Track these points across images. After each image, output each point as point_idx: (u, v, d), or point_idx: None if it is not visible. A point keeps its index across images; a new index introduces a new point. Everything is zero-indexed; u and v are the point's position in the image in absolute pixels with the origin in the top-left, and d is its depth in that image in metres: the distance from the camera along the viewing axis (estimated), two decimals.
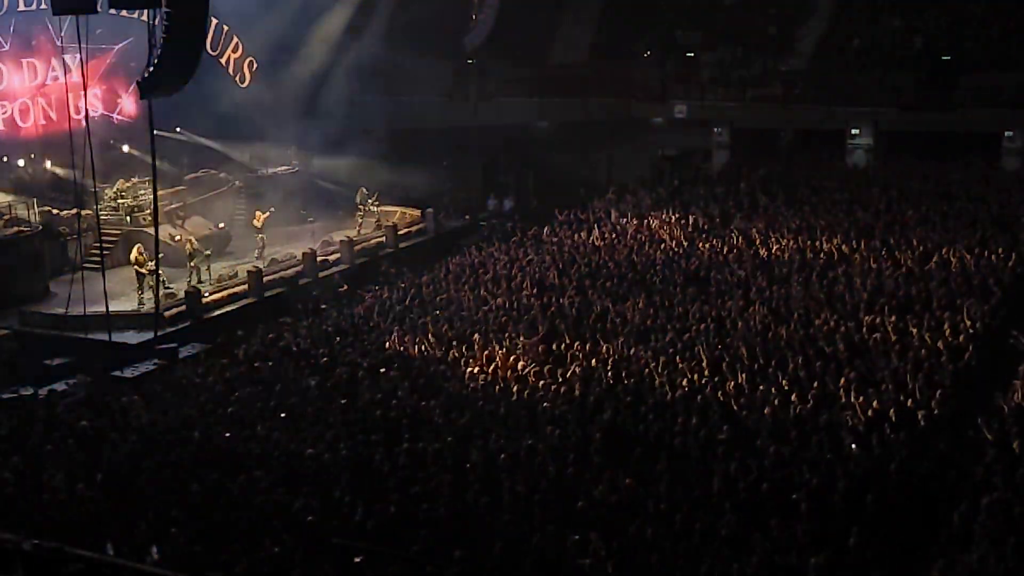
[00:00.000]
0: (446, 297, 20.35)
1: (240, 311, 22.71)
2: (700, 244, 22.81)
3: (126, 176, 27.67)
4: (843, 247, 21.46)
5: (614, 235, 24.25)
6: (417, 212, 29.93)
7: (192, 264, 23.96)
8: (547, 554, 10.47)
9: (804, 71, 32.72)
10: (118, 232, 25.92)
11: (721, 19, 35.00)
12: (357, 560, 10.52)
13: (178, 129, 29.17)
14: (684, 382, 14.83)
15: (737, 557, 10.18)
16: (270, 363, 17.61)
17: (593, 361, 15.90)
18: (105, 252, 23.06)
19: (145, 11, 19.26)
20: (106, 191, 26.40)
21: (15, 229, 24.20)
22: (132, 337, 20.75)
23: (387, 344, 17.91)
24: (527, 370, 15.80)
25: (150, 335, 20.51)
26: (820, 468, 11.95)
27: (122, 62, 28.71)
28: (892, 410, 13.31)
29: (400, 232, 28.06)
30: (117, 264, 24.31)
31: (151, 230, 21.61)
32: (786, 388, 14.34)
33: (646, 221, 25.05)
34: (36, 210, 25.15)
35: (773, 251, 21.76)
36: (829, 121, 30.79)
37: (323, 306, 22.88)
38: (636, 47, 35.14)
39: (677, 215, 25.31)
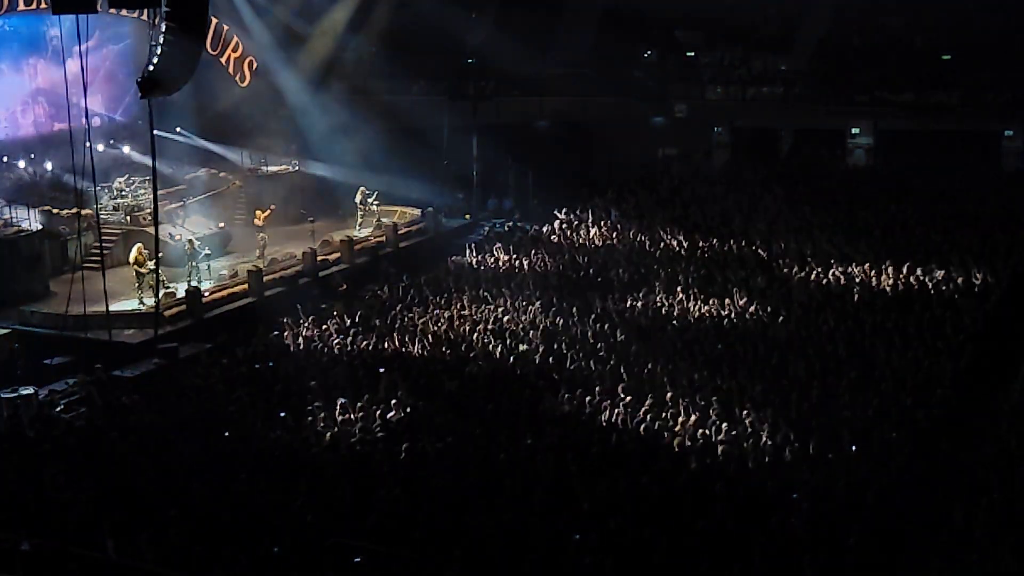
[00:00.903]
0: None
1: (240, 311, 22.70)
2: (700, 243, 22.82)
3: (125, 176, 27.63)
4: (843, 246, 21.48)
5: (615, 234, 24.26)
6: (417, 212, 29.91)
7: (192, 264, 23.94)
8: (547, 554, 10.48)
9: (804, 71, 32.73)
10: (118, 231, 25.91)
11: (721, 18, 35.00)
12: (357, 560, 10.52)
13: (178, 129, 29.16)
14: (684, 381, 14.84)
15: (737, 557, 10.19)
16: (270, 363, 17.61)
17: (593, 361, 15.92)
18: (105, 252, 23.04)
19: (145, 10, 19.27)
20: (105, 191, 26.38)
21: (15, 229, 24.19)
22: (132, 337, 20.73)
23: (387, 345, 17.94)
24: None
25: (150, 335, 20.49)
26: (820, 468, 11.96)
27: (122, 62, 28.68)
28: (892, 410, 13.34)
29: (400, 232, 28.05)
30: (117, 264, 24.28)
31: (151, 229, 21.55)
32: (785, 388, 14.36)
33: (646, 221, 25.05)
34: (36, 210, 25.16)
35: (774, 250, 21.78)
36: (829, 121, 30.81)
37: (323, 306, 22.89)
38: (636, 47, 35.14)
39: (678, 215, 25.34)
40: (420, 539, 10.72)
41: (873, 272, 19.64)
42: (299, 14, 31.21)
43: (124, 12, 25.89)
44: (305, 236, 27.08)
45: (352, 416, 14.40)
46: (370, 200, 28.72)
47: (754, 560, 10.13)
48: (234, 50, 30.68)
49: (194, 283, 23.22)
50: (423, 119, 33.52)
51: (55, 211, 25.59)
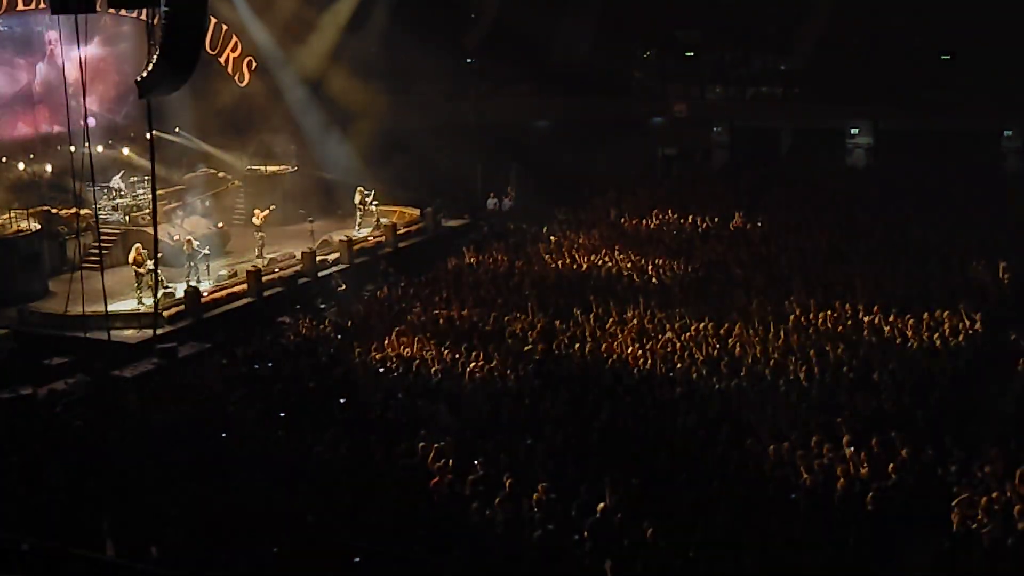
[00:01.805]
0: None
1: (239, 311, 22.69)
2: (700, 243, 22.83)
3: (120, 172, 27.60)
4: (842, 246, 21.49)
5: (615, 233, 24.26)
6: (416, 212, 29.90)
7: (191, 264, 23.93)
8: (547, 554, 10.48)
9: (804, 70, 32.73)
10: (117, 231, 25.89)
11: (721, 18, 34.98)
12: (357, 560, 10.51)
13: (176, 129, 29.13)
14: (684, 381, 14.82)
15: (737, 557, 10.18)
16: (270, 363, 17.59)
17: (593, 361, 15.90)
18: (104, 251, 23.02)
19: (144, 10, 19.21)
20: (104, 191, 26.37)
21: (14, 228, 24.18)
22: (131, 337, 20.72)
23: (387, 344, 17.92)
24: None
25: (149, 335, 20.47)
26: (820, 468, 11.94)
27: (121, 61, 28.64)
28: (892, 410, 13.32)
29: (399, 232, 28.03)
30: (116, 263, 24.27)
31: (150, 229, 21.53)
32: (785, 388, 14.35)
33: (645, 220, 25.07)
34: (35, 209, 25.15)
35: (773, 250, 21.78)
36: (829, 120, 30.82)
37: (322, 306, 22.90)
38: (636, 46, 35.13)
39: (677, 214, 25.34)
40: (420, 539, 10.72)
41: (872, 271, 19.63)
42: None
43: (123, 12, 25.86)
44: (304, 236, 27.07)
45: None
46: (369, 200, 28.70)
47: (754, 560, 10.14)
48: (233, 49, 30.68)
49: (193, 283, 23.21)
50: (423, 118, 33.52)
51: (54, 211, 25.57)
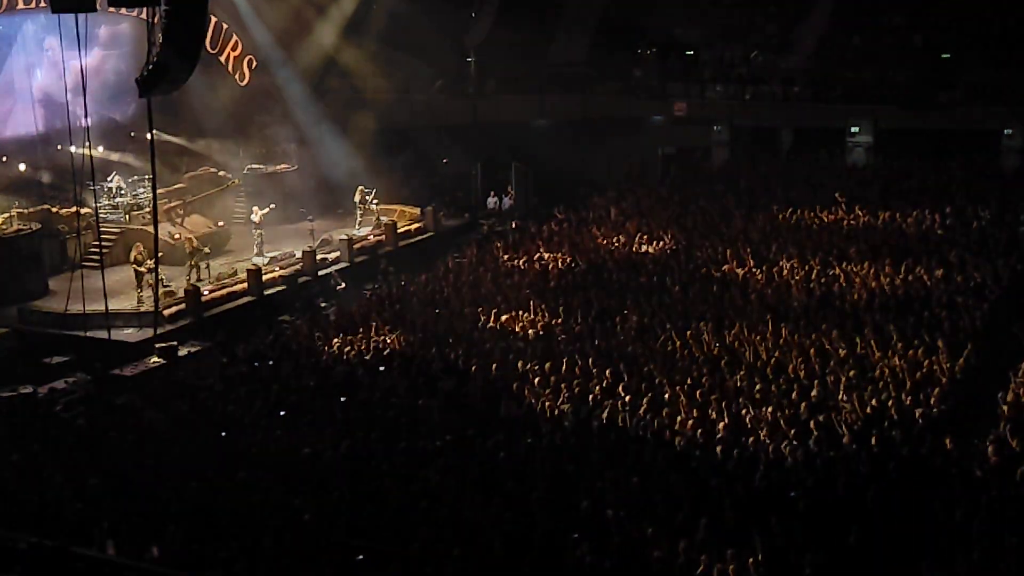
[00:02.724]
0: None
1: (239, 309, 22.71)
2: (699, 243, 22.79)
3: (113, 173, 27.58)
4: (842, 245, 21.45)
5: (615, 233, 24.22)
6: (416, 211, 29.89)
7: (191, 262, 23.94)
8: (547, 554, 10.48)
9: (804, 69, 32.70)
10: (117, 231, 25.90)
11: (721, 17, 34.97)
12: (357, 560, 10.52)
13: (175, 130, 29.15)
14: (683, 381, 14.82)
15: (737, 556, 10.18)
16: (270, 362, 17.59)
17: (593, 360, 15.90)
18: (104, 250, 23.03)
19: (144, 9, 19.24)
20: (104, 190, 26.37)
21: (14, 227, 24.18)
22: (131, 336, 20.74)
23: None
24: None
25: (149, 334, 20.49)
26: (820, 468, 11.95)
27: (121, 61, 28.61)
28: (891, 409, 13.32)
29: (400, 231, 28.03)
30: (116, 262, 24.28)
31: (150, 228, 21.57)
32: (784, 387, 14.35)
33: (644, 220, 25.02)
34: (35, 209, 25.17)
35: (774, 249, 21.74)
36: (829, 119, 30.80)
37: (322, 305, 22.91)
38: (636, 45, 35.10)
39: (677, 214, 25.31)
40: (420, 539, 10.72)
41: (872, 271, 19.59)
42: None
43: (123, 11, 25.86)
44: (304, 235, 27.07)
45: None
46: (369, 199, 28.70)
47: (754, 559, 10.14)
48: (233, 48, 30.67)
49: (193, 282, 23.22)
50: (423, 117, 33.50)
51: (54, 210, 25.58)
